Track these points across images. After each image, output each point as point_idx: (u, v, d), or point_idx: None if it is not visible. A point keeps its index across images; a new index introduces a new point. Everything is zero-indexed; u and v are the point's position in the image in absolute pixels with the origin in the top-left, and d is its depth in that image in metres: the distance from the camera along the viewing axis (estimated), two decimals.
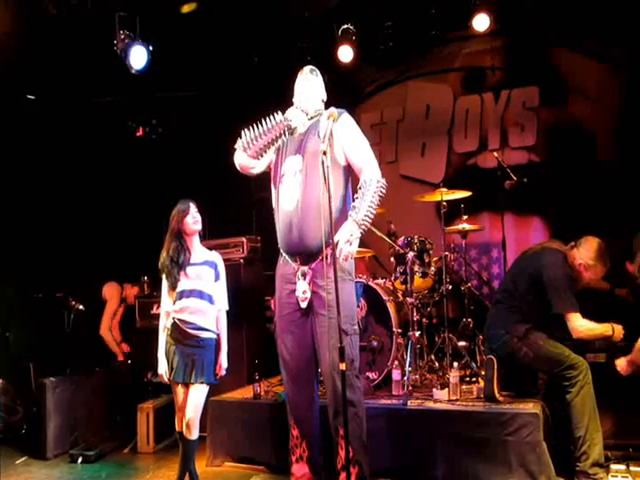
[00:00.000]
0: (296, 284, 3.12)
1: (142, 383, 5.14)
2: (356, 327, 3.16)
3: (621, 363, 3.52)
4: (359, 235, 2.91)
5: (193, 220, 3.61)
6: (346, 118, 3.22)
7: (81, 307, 5.59)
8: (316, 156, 3.00)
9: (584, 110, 5.75)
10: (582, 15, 5.46)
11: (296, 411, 3.28)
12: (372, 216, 2.95)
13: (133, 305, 5.69)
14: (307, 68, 3.36)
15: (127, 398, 5.12)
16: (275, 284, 3.33)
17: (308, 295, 3.07)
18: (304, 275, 3.10)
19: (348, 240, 2.87)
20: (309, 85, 3.31)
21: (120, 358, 5.77)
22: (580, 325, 3.45)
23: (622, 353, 3.59)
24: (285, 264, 3.23)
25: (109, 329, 5.80)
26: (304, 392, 3.25)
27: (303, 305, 3.11)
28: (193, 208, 3.63)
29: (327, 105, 3.32)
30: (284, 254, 3.24)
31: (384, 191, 3.03)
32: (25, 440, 4.91)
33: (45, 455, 4.65)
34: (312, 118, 3.25)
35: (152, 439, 4.73)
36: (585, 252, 3.56)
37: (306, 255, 3.11)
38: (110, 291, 5.85)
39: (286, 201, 3.15)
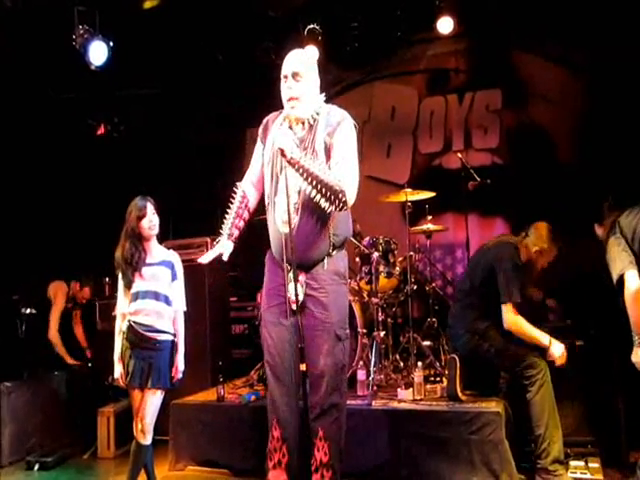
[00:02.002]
0: (288, 284, 2.93)
1: (103, 387, 5.01)
2: (348, 332, 3.05)
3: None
4: (289, 157, 2.72)
5: (149, 224, 3.40)
6: (345, 128, 3.03)
7: (33, 311, 5.40)
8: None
9: (545, 113, 5.86)
10: (544, 19, 5.56)
11: (279, 410, 3.01)
12: (308, 175, 2.76)
13: (85, 304, 5.54)
14: (289, 71, 3.05)
15: (87, 402, 5.00)
16: (264, 276, 3.14)
17: (301, 297, 2.88)
18: (296, 277, 2.88)
19: (289, 146, 2.72)
20: (298, 88, 2.99)
21: (69, 361, 5.50)
22: (514, 317, 3.52)
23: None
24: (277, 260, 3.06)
25: (57, 331, 5.48)
26: (289, 389, 3.01)
27: (294, 307, 2.90)
28: (150, 209, 3.42)
29: None
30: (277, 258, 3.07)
31: (340, 200, 2.87)
32: None
33: (0, 462, 4.50)
34: (311, 123, 3.02)
35: (113, 444, 4.63)
36: (538, 238, 3.70)
37: (302, 265, 2.95)
38: (54, 289, 5.57)
39: (281, 223, 2.94)
